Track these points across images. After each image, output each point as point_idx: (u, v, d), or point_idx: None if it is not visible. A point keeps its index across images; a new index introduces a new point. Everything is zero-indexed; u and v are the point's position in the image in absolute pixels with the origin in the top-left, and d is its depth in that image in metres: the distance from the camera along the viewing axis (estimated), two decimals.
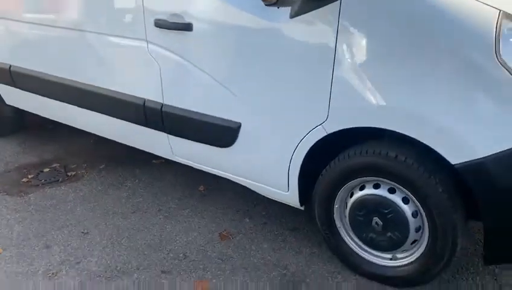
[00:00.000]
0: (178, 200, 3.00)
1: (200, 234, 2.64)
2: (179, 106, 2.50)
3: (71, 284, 2.27)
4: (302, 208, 2.37)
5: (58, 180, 3.39)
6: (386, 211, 2.02)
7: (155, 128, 2.67)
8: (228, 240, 2.58)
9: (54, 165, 3.60)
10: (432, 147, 1.81)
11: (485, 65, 1.68)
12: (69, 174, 3.46)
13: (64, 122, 3.38)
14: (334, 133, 2.03)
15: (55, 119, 3.44)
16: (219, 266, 2.36)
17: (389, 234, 2.05)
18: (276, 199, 2.44)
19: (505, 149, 1.69)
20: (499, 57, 1.65)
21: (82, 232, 2.70)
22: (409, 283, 2.11)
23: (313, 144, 2.09)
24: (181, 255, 2.47)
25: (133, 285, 2.26)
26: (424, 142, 1.82)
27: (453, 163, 1.78)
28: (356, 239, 2.20)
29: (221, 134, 2.39)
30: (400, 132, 1.86)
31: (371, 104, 1.88)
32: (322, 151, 2.12)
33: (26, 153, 3.80)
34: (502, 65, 1.65)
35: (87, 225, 2.77)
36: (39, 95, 3.25)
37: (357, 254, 2.22)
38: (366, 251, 2.20)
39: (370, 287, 2.17)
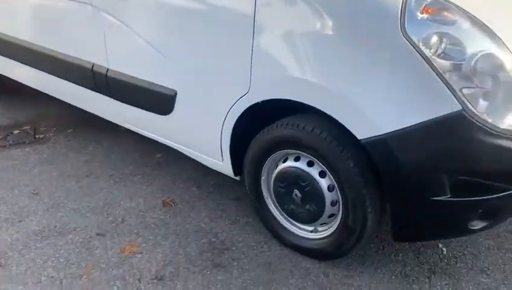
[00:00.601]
0: (133, 167, 3.05)
1: (145, 200, 2.68)
2: (122, 71, 2.52)
3: (7, 240, 2.34)
4: (238, 179, 2.38)
5: (25, 142, 3.47)
6: (304, 184, 2.02)
7: (103, 94, 2.70)
8: (169, 207, 2.62)
9: (25, 128, 3.68)
10: (341, 121, 1.80)
11: (390, 40, 1.65)
12: (37, 136, 3.54)
13: (28, 84, 3.43)
14: (260, 103, 2.01)
15: (21, 82, 3.50)
16: (153, 232, 2.41)
17: (307, 206, 2.06)
18: (214, 169, 2.45)
19: (407, 126, 1.67)
20: (403, 32, 1.61)
21: (32, 193, 2.78)
22: (327, 256, 2.13)
23: (240, 113, 2.09)
24: (120, 219, 2.52)
25: (65, 245, 2.32)
26: (334, 117, 1.81)
27: (359, 138, 1.76)
28: (280, 210, 2.21)
29: (161, 101, 2.40)
30: (312, 105, 1.85)
31: (283, 76, 1.87)
32: (258, 122, 2.12)
33: (1, 115, 3.88)
34: (407, 40, 1.61)
35: (39, 186, 2.84)
36: (5, 56, 3.30)
37: (282, 225, 2.23)
38: (290, 222, 2.21)
39: (291, 258, 2.19)
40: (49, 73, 3.00)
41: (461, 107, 1.61)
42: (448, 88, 1.61)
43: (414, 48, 1.61)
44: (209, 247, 2.29)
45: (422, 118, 1.65)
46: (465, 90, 1.61)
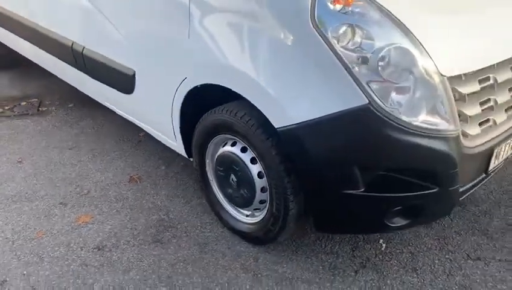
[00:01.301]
0: (114, 143, 3.19)
1: (114, 176, 2.81)
2: (94, 50, 2.63)
3: None
4: (191, 160, 2.45)
5: (28, 113, 3.69)
6: (238, 169, 2.07)
7: (83, 72, 2.84)
8: (134, 183, 2.73)
9: (32, 100, 3.91)
10: (260, 109, 1.82)
11: (302, 30, 1.65)
12: (41, 109, 3.76)
13: (29, 58, 3.63)
14: (200, 88, 2.07)
15: (24, 55, 3.71)
16: (110, 205, 2.53)
17: (241, 191, 2.10)
18: (173, 149, 2.54)
19: (315, 118, 1.67)
20: (314, 23, 1.62)
21: (17, 161, 2.97)
22: (257, 241, 2.17)
23: (183, 96, 2.15)
24: (85, 191, 2.66)
25: (29, 210, 2.49)
26: (255, 104, 1.84)
27: (275, 127, 1.78)
28: (222, 193, 2.27)
29: (124, 80, 2.50)
30: (237, 92, 1.88)
31: (213, 62, 1.92)
32: (208, 106, 2.16)
33: (13, 87, 4.14)
34: (317, 31, 1.62)
35: (25, 155, 3.04)
36: (9, 31, 3.52)
37: (224, 207, 2.29)
38: (231, 205, 2.26)
39: (229, 241, 2.25)
40: (43, 49, 3.17)
41: (368, 101, 1.60)
42: (355, 81, 1.60)
43: (323, 39, 1.61)
44: (157, 224, 2.38)
45: (330, 110, 1.65)
46: (372, 84, 1.60)
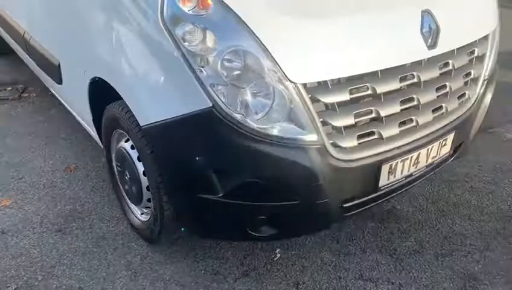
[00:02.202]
0: (70, 131, 3.26)
1: (54, 164, 2.88)
2: (36, 40, 2.71)
3: None
4: None
5: (8, 98, 3.85)
6: (129, 166, 2.07)
7: (33, 60, 2.94)
8: (69, 172, 2.79)
9: (18, 86, 4.06)
10: (129, 106, 1.81)
11: (153, 30, 1.63)
12: (22, 95, 3.91)
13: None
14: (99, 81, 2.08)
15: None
16: (36, 191, 2.60)
17: (132, 188, 2.10)
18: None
19: (165, 119, 1.65)
20: (162, 22, 1.58)
21: None
22: (145, 239, 2.16)
23: (88, 88, 2.17)
24: (20, 176, 2.75)
25: None
26: (126, 101, 1.83)
27: (141, 125, 1.77)
28: (123, 189, 2.27)
29: (55, 71, 2.56)
30: (115, 88, 1.88)
31: (94, 55, 1.93)
32: None
33: (5, 72, 4.32)
34: (165, 30, 1.58)
35: None
36: None
37: (127, 203, 2.29)
38: (130, 201, 2.26)
39: (126, 237, 2.25)
40: (13, 39, 3.30)
41: (211, 105, 1.55)
42: (200, 84, 1.55)
43: (171, 39, 1.57)
44: (69, 213, 2.42)
45: (178, 113, 1.62)
46: (216, 87, 1.55)
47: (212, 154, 1.63)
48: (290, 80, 1.54)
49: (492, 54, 2.24)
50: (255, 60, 1.52)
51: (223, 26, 1.54)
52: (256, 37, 1.52)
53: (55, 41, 2.40)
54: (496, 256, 2.16)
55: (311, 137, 1.62)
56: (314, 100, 1.61)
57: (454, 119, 2.07)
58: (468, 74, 2.11)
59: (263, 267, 2.08)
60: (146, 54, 1.66)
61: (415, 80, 1.83)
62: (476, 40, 2.08)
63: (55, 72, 2.53)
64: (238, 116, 1.55)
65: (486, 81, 2.23)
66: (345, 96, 1.66)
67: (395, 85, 1.77)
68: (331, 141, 1.68)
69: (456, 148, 2.26)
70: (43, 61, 2.69)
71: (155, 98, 1.67)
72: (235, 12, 1.52)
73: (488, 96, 2.28)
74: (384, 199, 2.02)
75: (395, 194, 2.04)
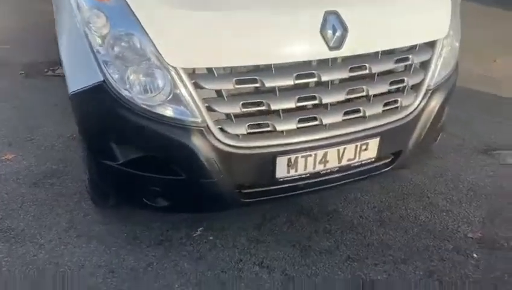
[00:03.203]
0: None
1: (62, 130, 3.15)
2: None
3: None
4: None
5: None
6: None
7: None
8: (72, 139, 3.19)
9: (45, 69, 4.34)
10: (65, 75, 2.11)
11: (75, 12, 1.90)
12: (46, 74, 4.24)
13: None
14: None
15: None
16: (36, 150, 3.00)
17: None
18: None
19: (76, 89, 1.92)
20: (74, 3, 1.86)
21: None
22: (92, 200, 2.45)
23: None
24: (32, 138, 3.17)
25: None
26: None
27: (69, 93, 2.05)
28: None
29: None
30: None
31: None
32: None
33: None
34: (79, 14, 1.86)
35: None
36: None
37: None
38: None
39: (83, 197, 2.55)
40: None
41: (103, 79, 1.79)
42: (96, 60, 1.80)
43: (82, 21, 1.84)
44: (50, 171, 2.78)
45: (82, 85, 1.88)
46: (108, 65, 1.78)
47: (105, 124, 1.86)
48: (170, 65, 1.72)
49: (439, 63, 2.17)
50: (139, 45, 1.73)
51: (117, 14, 1.77)
52: (141, 24, 1.71)
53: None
54: (407, 271, 2.12)
55: (194, 119, 1.79)
56: (198, 86, 1.77)
57: (379, 126, 2.07)
58: (400, 81, 2.09)
59: (178, 240, 2.27)
60: (69, 32, 1.95)
61: (316, 78, 1.88)
62: (407, 47, 2.06)
63: None
64: (125, 93, 1.77)
65: (431, 91, 2.17)
66: (229, 86, 1.79)
67: (289, 81, 1.85)
68: (220, 126, 1.82)
69: (395, 158, 2.24)
70: None
71: (73, 70, 1.95)
72: (127, 3, 1.74)
73: (435, 107, 2.21)
74: (293, 193, 2.10)
75: (310, 189, 2.11)
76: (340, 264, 2.15)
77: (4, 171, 2.77)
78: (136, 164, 1.89)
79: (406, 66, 2.11)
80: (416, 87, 2.15)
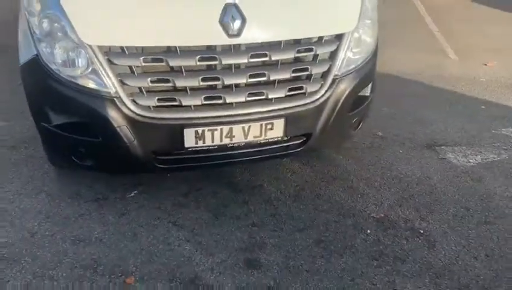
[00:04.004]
0: None
1: None
2: None
3: None
4: None
5: None
6: None
7: None
8: None
9: None
10: None
11: None
12: None
13: None
14: None
15: None
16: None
17: None
18: None
19: (22, 62, 2.31)
20: None
21: None
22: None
23: None
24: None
25: None
26: None
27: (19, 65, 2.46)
28: None
29: None
30: None
31: None
32: None
33: None
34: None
35: None
36: None
37: None
38: None
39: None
40: None
41: (36, 53, 2.18)
42: (32, 38, 2.20)
43: (25, 5, 2.25)
44: (32, 137, 3.18)
45: (26, 58, 2.28)
46: (39, 42, 2.17)
47: (39, 91, 2.26)
48: (85, 43, 2.08)
49: (348, 55, 2.41)
50: (62, 24, 2.09)
51: None
52: (61, 6, 2.08)
53: None
54: (299, 238, 2.37)
55: (108, 90, 2.14)
56: (111, 62, 2.12)
57: (283, 108, 2.34)
58: (304, 70, 2.35)
59: (113, 199, 2.64)
60: (20, 16, 2.35)
61: (217, 62, 2.19)
62: (313, 38, 2.31)
63: None
64: (53, 66, 2.15)
65: (338, 80, 2.42)
66: (137, 63, 2.13)
67: (191, 62, 2.17)
68: (132, 98, 2.17)
69: (306, 140, 2.51)
70: None
71: (21, 47, 2.34)
72: None
73: (343, 95, 2.45)
74: (206, 163, 2.42)
75: (221, 161, 2.42)
76: (242, 228, 2.43)
77: None
78: (64, 126, 2.26)
79: (310, 56, 2.36)
80: (324, 76, 2.39)
